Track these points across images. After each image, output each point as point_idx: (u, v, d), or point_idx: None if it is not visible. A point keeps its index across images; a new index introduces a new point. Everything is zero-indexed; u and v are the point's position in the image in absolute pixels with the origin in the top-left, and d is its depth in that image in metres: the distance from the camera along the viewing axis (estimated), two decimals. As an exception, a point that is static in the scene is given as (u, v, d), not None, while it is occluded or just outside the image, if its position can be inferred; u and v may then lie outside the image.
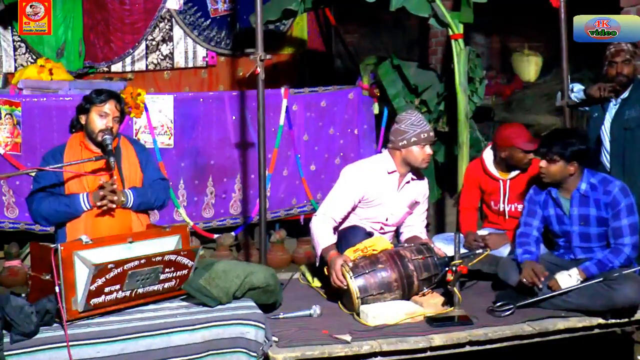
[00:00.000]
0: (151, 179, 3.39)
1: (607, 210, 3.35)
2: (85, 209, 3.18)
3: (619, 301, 3.16)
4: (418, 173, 3.73)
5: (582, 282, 3.26)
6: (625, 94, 4.05)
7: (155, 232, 3.09)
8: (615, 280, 3.19)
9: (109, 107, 3.22)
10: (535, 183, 3.61)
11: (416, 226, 3.79)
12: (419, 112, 3.79)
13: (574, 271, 3.29)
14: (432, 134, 3.59)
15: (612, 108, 4.10)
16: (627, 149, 4.02)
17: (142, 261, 2.84)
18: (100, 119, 3.22)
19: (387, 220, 3.68)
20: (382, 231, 3.70)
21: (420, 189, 3.77)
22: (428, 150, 3.57)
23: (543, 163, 3.41)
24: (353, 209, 3.61)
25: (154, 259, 2.89)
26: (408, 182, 3.69)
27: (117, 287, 2.81)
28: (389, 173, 3.63)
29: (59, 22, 5.92)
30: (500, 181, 3.96)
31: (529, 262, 3.38)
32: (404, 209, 3.71)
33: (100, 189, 3.19)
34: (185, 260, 3.02)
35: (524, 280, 3.31)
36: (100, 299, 2.78)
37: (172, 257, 2.97)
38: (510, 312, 3.23)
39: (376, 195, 3.61)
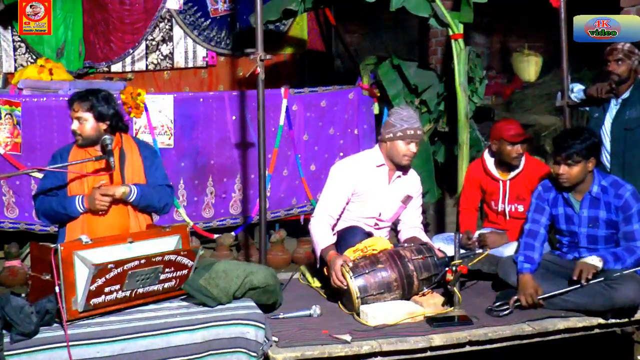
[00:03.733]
0: (156, 183, 3.38)
1: (618, 214, 3.34)
2: (81, 211, 3.19)
3: (619, 301, 3.15)
4: (406, 169, 3.72)
5: (594, 274, 3.21)
6: (626, 94, 4.05)
7: (155, 232, 3.09)
8: (615, 280, 3.18)
9: (73, 110, 3.23)
10: (544, 180, 3.59)
11: (413, 222, 3.79)
12: (415, 110, 3.77)
13: (594, 258, 3.26)
14: (419, 132, 3.56)
15: (613, 108, 4.10)
16: (627, 149, 4.02)
17: (142, 261, 2.84)
18: (72, 123, 3.26)
19: (380, 215, 3.69)
20: (377, 227, 3.71)
21: (413, 184, 3.77)
22: (412, 148, 3.56)
23: (562, 169, 3.35)
24: (347, 203, 3.62)
25: (154, 259, 2.89)
26: (399, 176, 3.69)
27: (117, 287, 2.81)
28: (377, 166, 3.64)
29: (59, 22, 5.92)
30: (500, 181, 3.97)
31: (529, 284, 3.30)
32: (397, 204, 3.71)
33: (95, 189, 3.19)
34: (185, 260, 3.02)
35: (521, 301, 3.27)
36: (100, 299, 2.78)
37: (172, 257, 2.97)
38: (509, 311, 3.23)
39: (366, 188, 3.61)
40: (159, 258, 2.91)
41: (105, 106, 3.25)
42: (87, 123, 3.23)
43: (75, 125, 3.24)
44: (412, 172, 3.80)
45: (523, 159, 3.93)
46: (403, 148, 3.56)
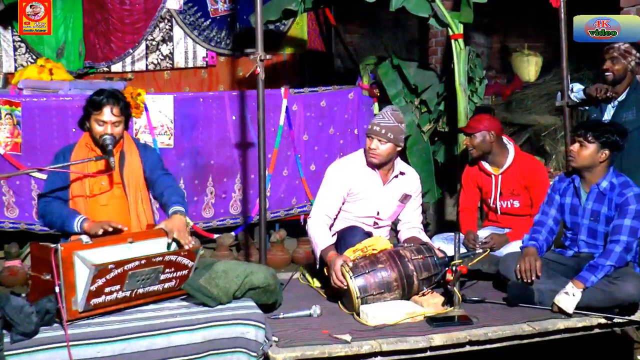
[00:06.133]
0: (166, 184, 3.34)
1: (616, 211, 3.35)
2: (77, 231, 3.10)
3: (620, 297, 3.16)
4: (404, 167, 3.74)
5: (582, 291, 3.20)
6: (622, 97, 4.05)
7: (155, 232, 3.09)
8: (617, 277, 3.19)
9: (106, 113, 3.17)
10: (564, 173, 3.65)
11: (413, 222, 3.80)
12: (398, 110, 3.72)
13: (570, 286, 3.21)
14: (377, 128, 3.52)
15: (609, 110, 4.10)
16: (624, 151, 4.01)
17: (143, 261, 2.84)
18: (99, 126, 3.19)
19: (378, 214, 3.69)
20: (376, 226, 3.71)
21: (411, 183, 3.77)
22: (369, 143, 3.55)
23: (574, 147, 3.42)
24: (343, 203, 3.63)
25: (154, 259, 2.89)
26: (396, 176, 3.69)
27: (118, 287, 2.81)
28: (368, 166, 3.65)
29: (59, 22, 5.93)
30: (493, 176, 4.00)
31: (531, 251, 3.43)
32: (395, 203, 3.71)
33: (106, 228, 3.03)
34: (186, 261, 3.03)
35: (519, 271, 3.38)
36: (101, 299, 2.78)
37: (173, 257, 2.97)
38: (476, 301, 3.33)
39: (360, 188, 3.62)
40: (159, 258, 2.91)
41: (128, 105, 3.29)
42: (121, 125, 3.24)
43: (109, 129, 3.17)
44: (411, 171, 3.80)
45: (512, 153, 3.96)
46: (368, 144, 3.58)
